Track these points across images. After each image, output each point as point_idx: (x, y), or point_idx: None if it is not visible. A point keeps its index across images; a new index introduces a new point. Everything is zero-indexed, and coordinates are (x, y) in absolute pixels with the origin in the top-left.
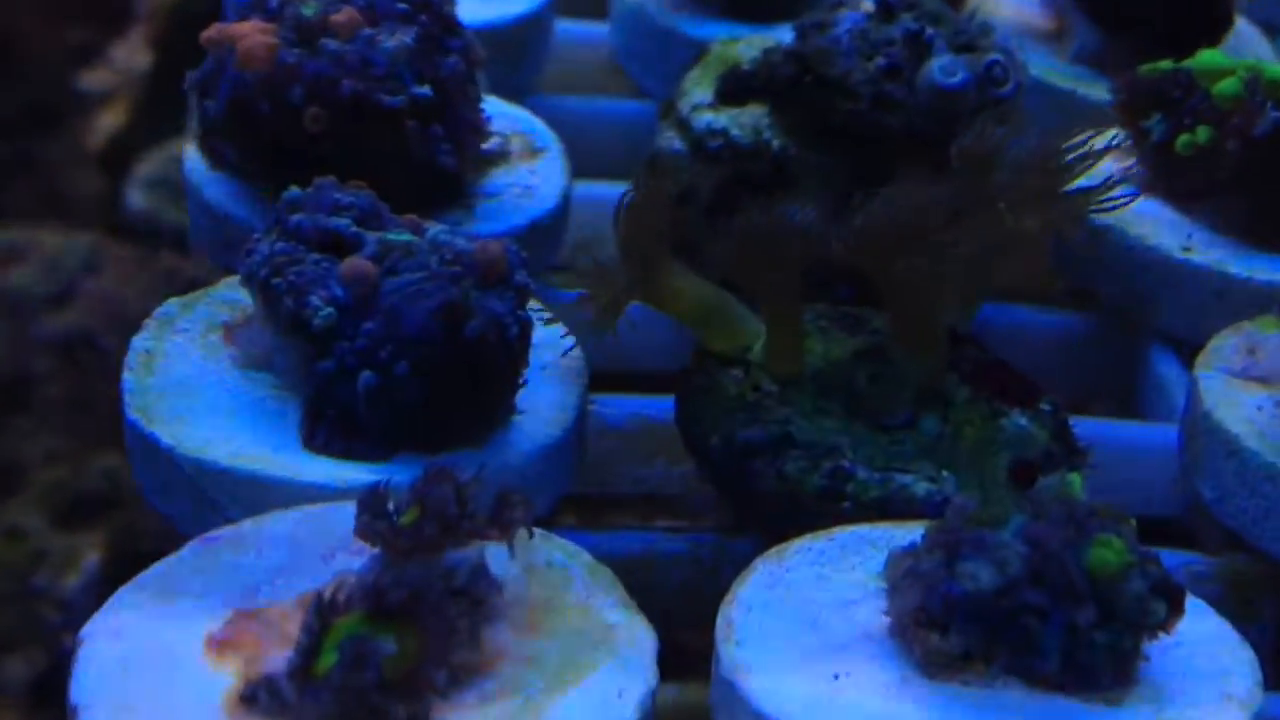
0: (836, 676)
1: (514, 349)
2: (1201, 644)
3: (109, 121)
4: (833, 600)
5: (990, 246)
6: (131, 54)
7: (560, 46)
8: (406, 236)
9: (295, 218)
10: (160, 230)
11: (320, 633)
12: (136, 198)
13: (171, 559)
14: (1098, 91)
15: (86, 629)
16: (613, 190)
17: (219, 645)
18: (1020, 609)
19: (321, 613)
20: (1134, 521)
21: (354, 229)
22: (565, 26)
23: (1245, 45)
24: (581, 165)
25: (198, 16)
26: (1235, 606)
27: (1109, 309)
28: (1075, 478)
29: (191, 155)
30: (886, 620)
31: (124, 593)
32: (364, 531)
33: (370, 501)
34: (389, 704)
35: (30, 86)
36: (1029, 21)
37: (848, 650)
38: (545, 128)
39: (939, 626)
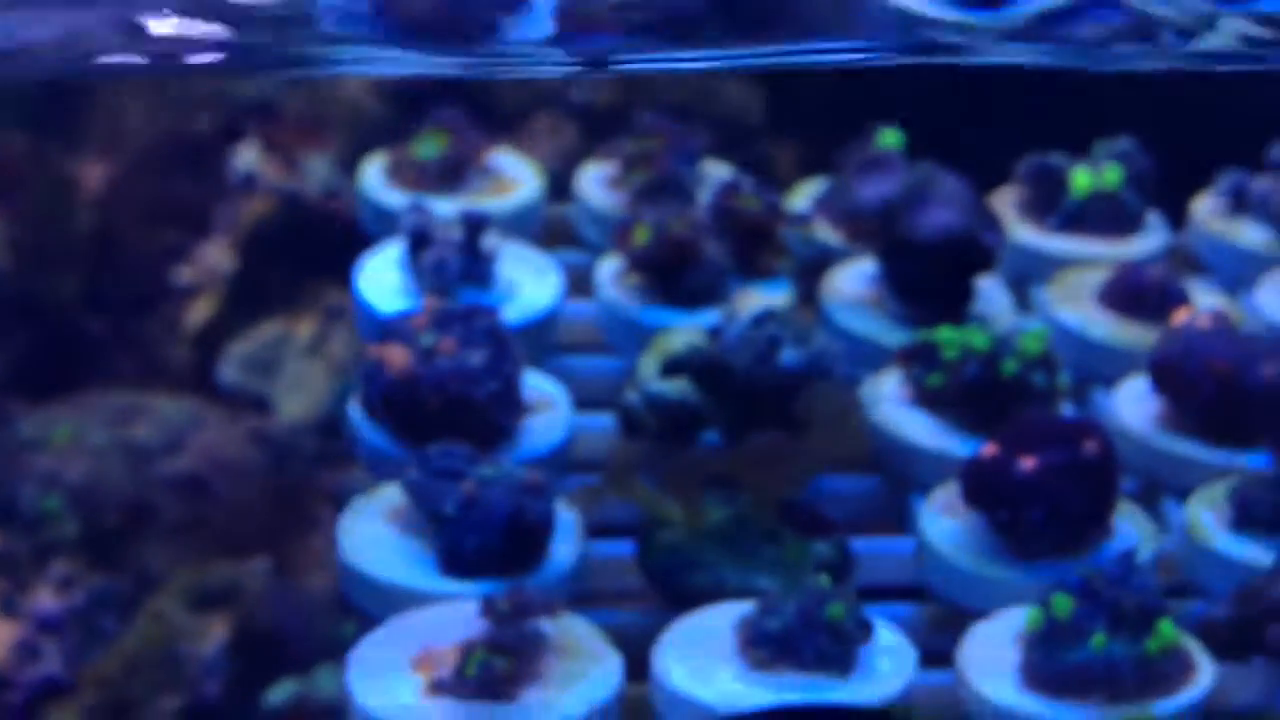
0: (710, 672)
1: (548, 525)
2: (890, 648)
3: (201, 310)
4: (712, 638)
5: (809, 462)
6: (218, 257)
7: (569, 317)
8: (490, 470)
9: (432, 461)
10: (245, 397)
11: (468, 657)
12: (229, 372)
13: (383, 628)
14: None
15: (350, 656)
16: (603, 419)
17: (415, 664)
18: (793, 636)
19: (468, 649)
20: (854, 592)
21: (463, 465)
22: (571, 305)
23: (989, 300)
24: (582, 401)
25: (273, 230)
26: (936, 630)
27: (891, 474)
28: (825, 577)
29: (356, 411)
30: (735, 645)
31: (364, 641)
32: (485, 613)
33: (489, 601)
34: (500, 688)
35: (130, 277)
36: (862, 294)
37: (718, 660)
38: (558, 385)
39: (760, 648)
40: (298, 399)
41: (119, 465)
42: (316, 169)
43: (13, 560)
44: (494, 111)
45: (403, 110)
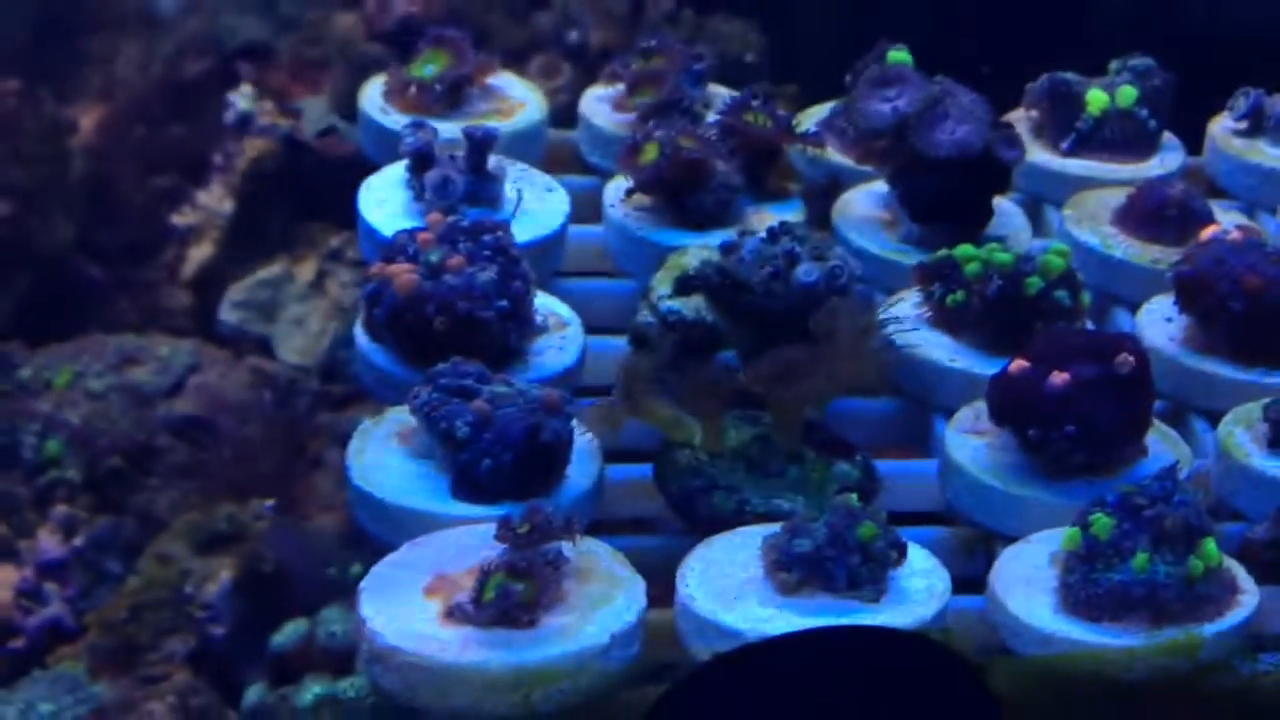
0: (737, 597)
1: (566, 446)
2: (923, 571)
3: (199, 252)
4: (737, 563)
5: (830, 379)
6: (215, 200)
7: (574, 241)
8: (504, 388)
9: (443, 379)
10: (245, 338)
11: (485, 582)
12: (228, 314)
13: (394, 554)
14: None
15: (362, 584)
16: (614, 341)
17: (429, 591)
18: (824, 558)
19: (485, 573)
20: (885, 512)
21: (475, 385)
22: (575, 229)
23: (1006, 220)
24: (592, 324)
25: (271, 172)
26: (964, 554)
27: (911, 397)
28: (853, 496)
29: (360, 334)
30: (762, 570)
31: (377, 568)
32: (501, 536)
33: (505, 522)
34: (519, 614)
35: (128, 221)
36: (875, 215)
37: (744, 585)
38: (568, 308)
39: (785, 569)
40: (299, 340)
41: (120, 408)
42: (313, 110)
43: (15, 504)
44: (489, 50)
45: (397, 49)
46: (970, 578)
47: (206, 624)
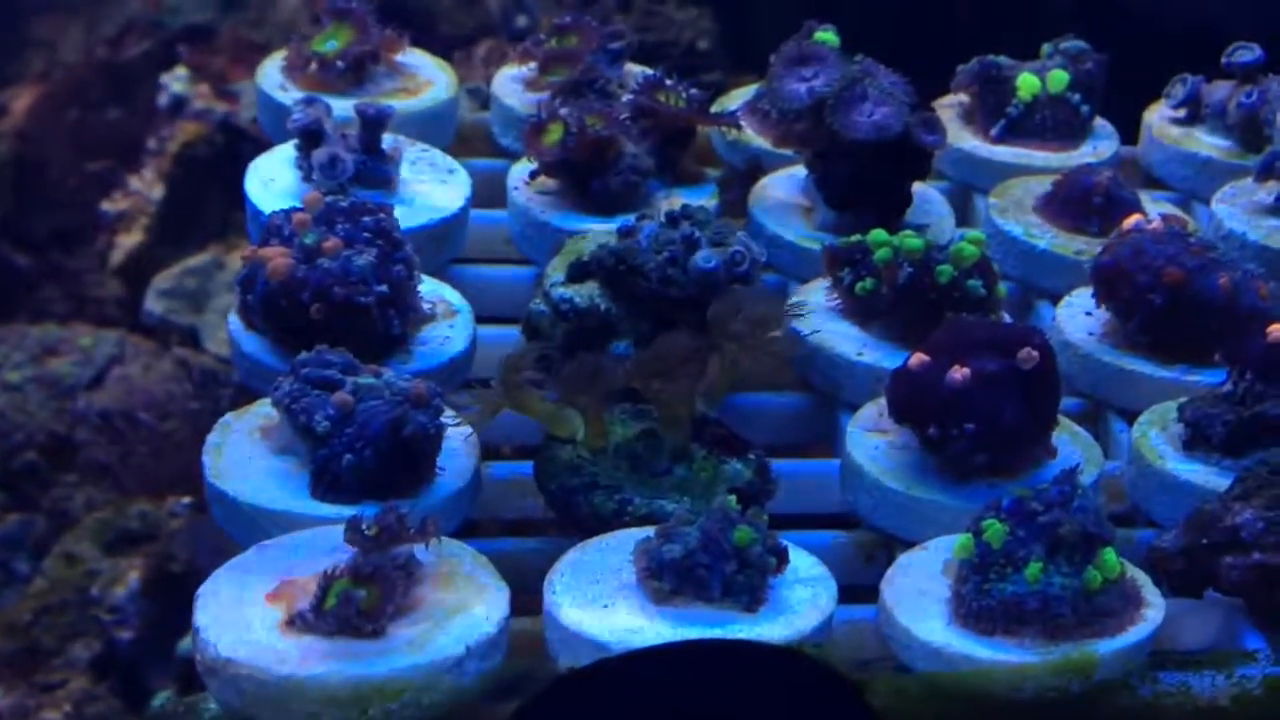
0: (606, 606)
1: (432, 441)
2: (809, 580)
3: (128, 239)
4: (609, 568)
5: (722, 373)
6: (147, 185)
7: (476, 227)
8: (370, 380)
9: (305, 370)
10: (172, 329)
11: (327, 588)
12: (153, 304)
13: (243, 555)
14: None
15: (200, 590)
16: (513, 331)
17: (272, 597)
18: (696, 565)
19: (328, 578)
20: (766, 516)
21: (339, 375)
22: (478, 214)
23: (928, 207)
24: (494, 312)
25: (202, 157)
26: (862, 558)
27: (818, 391)
28: (732, 498)
29: (234, 320)
30: (635, 576)
31: (219, 572)
32: (350, 539)
33: (353, 524)
34: (362, 623)
35: (58, 209)
36: (793, 201)
37: (614, 593)
38: (459, 296)
39: (657, 577)
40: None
41: (38, 400)
42: (251, 94)
43: None
44: (436, 35)
45: None
46: (870, 586)
47: (113, 627)
